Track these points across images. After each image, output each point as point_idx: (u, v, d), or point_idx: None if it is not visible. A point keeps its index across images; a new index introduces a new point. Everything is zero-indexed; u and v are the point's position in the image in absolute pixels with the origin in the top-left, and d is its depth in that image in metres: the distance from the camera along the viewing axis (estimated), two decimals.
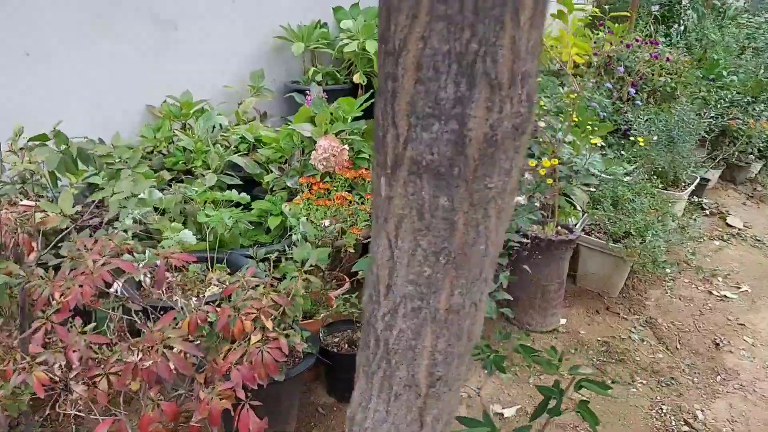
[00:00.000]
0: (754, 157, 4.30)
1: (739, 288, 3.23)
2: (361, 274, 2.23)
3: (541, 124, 2.74)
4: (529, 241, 2.56)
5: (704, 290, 3.19)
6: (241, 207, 2.60)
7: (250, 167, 2.89)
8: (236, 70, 3.60)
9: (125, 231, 2.22)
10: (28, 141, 2.46)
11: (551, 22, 2.96)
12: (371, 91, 3.42)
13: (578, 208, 3.03)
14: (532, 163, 2.25)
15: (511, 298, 2.29)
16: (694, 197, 4.05)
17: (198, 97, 3.34)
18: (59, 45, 2.78)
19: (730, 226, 3.89)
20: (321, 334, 2.23)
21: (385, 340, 0.85)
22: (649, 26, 4.91)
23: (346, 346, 2.23)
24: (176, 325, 1.47)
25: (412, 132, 0.74)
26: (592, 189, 3.11)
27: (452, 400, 0.89)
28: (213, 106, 3.34)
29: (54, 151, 2.41)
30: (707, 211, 4.04)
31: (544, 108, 2.89)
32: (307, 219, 2.33)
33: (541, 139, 2.57)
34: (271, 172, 2.81)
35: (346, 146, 2.62)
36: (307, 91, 3.31)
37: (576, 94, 2.48)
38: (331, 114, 2.93)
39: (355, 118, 2.98)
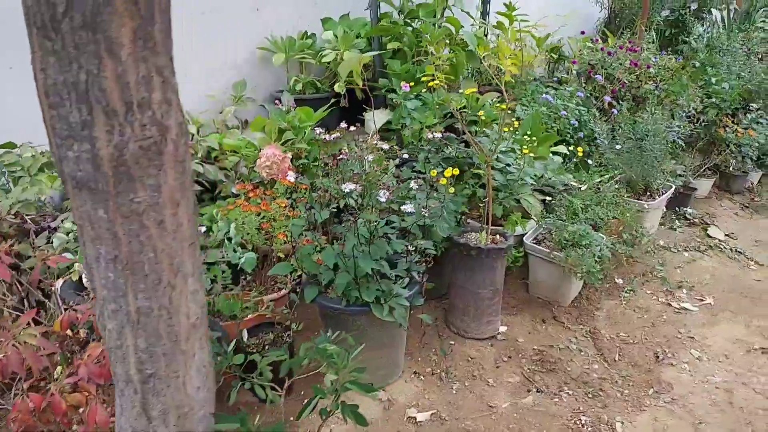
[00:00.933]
0: (751, 166, 4.18)
1: (703, 300, 3.18)
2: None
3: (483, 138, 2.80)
4: (461, 247, 2.63)
5: (664, 302, 3.15)
6: None
7: (212, 174, 3.07)
8: (221, 80, 3.79)
9: (67, 234, 2.43)
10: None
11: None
12: (332, 99, 3.54)
13: (533, 216, 3.07)
14: (448, 172, 2.32)
15: (420, 303, 2.37)
16: (679, 207, 3.97)
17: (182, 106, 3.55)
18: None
19: (711, 237, 3.80)
20: (243, 336, 2.36)
21: (105, 340, 0.97)
22: (652, 33, 4.83)
23: (267, 347, 2.36)
24: (50, 322, 1.64)
25: (61, 151, 0.86)
26: (548, 198, 3.14)
27: (178, 396, 1.01)
28: (191, 115, 3.54)
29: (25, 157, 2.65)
30: (690, 222, 3.96)
31: (482, 119, 2.94)
32: (236, 224, 2.48)
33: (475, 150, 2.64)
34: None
35: (289, 154, 2.76)
36: (277, 101, 3.47)
37: (505, 105, 2.53)
38: (289, 122, 3.07)
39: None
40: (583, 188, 3.12)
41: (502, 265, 2.73)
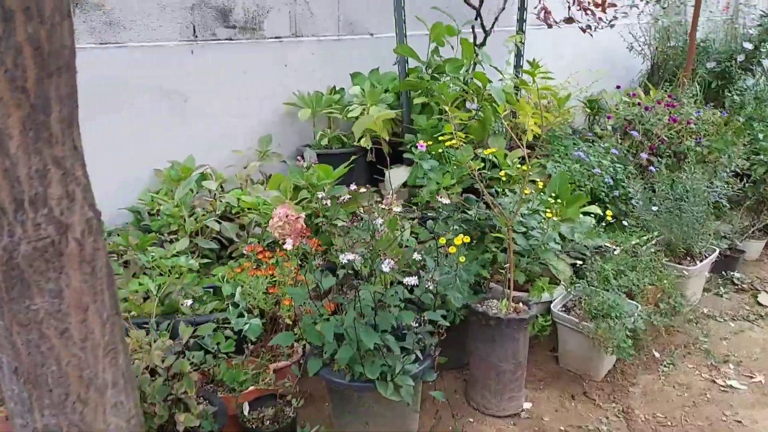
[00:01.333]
0: None
1: (752, 378, 2.90)
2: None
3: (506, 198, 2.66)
4: (478, 317, 2.47)
5: (707, 378, 2.89)
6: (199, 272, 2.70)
7: (229, 231, 3.01)
8: (247, 134, 3.77)
9: None
10: None
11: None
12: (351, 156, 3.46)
13: (561, 281, 2.88)
14: (458, 240, 2.18)
15: (433, 378, 2.21)
16: (726, 271, 3.71)
17: (207, 161, 3.54)
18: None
19: (761, 305, 3.51)
20: (244, 410, 2.24)
21: None
22: (695, 86, 4.63)
23: (268, 423, 2.23)
24: None
25: None
26: (579, 262, 2.95)
27: None
28: (215, 170, 3.51)
29: None
30: (738, 287, 3.68)
31: (503, 179, 2.80)
32: (243, 289, 2.39)
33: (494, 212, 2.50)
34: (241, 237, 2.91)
35: (302, 215, 2.67)
36: (299, 157, 3.41)
37: (527, 166, 2.39)
38: (307, 180, 3.00)
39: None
40: (617, 251, 2.93)
41: (524, 336, 2.54)
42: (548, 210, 2.64)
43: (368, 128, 3.84)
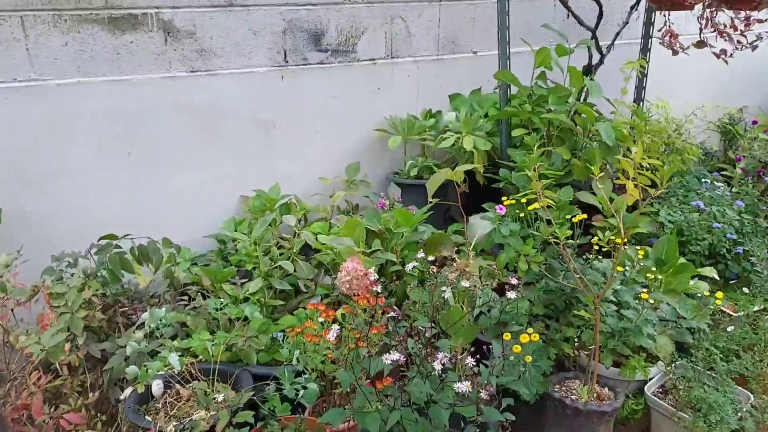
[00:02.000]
0: None
1: None
2: None
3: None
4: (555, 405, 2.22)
5: None
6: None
7: (305, 272, 2.93)
8: (335, 162, 3.68)
9: (139, 342, 2.39)
10: (98, 240, 2.79)
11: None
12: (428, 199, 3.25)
13: (661, 358, 2.55)
14: (524, 338, 1.92)
15: None
16: None
17: (293, 189, 3.49)
18: (172, 152, 3.14)
19: None
20: None
21: None
22: None
23: None
24: None
25: None
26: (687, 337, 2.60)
27: None
28: (299, 200, 3.45)
29: (113, 252, 2.70)
30: None
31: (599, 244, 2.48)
32: (301, 351, 2.29)
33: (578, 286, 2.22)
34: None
35: (371, 270, 2.53)
36: (382, 194, 3.26)
37: (621, 239, 2.09)
38: (384, 225, 2.85)
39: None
40: (731, 327, 2.54)
41: (606, 429, 2.26)
42: (646, 289, 2.32)
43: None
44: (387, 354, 1.72)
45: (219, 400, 2.27)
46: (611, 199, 2.99)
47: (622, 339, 2.32)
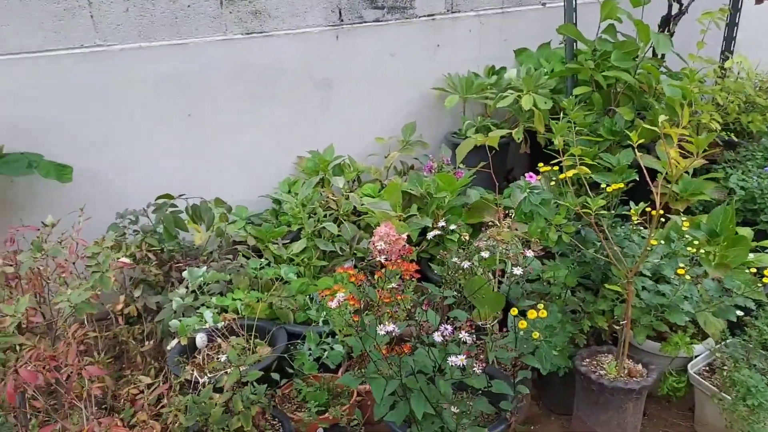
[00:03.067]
0: None
1: None
2: None
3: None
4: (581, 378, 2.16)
5: None
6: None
7: (350, 234, 2.98)
8: (391, 122, 3.66)
9: (182, 297, 2.54)
10: (156, 199, 2.97)
11: None
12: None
13: (710, 335, 2.40)
14: (531, 314, 1.85)
15: None
16: None
17: (348, 150, 3.52)
18: (230, 113, 3.26)
19: None
20: (320, 431, 2.25)
21: None
22: None
23: None
24: None
25: None
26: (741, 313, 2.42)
27: None
28: (353, 161, 3.48)
29: (168, 211, 2.86)
30: None
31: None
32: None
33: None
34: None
35: (404, 235, 2.52)
36: (431, 156, 3.21)
37: (656, 212, 1.96)
38: (426, 189, 2.83)
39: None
40: None
41: (636, 405, 2.18)
42: (691, 262, 2.16)
43: (521, 117, 3.50)
44: (382, 325, 1.74)
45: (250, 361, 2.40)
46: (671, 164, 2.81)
47: (657, 315, 2.20)
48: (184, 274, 2.53)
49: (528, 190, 2.22)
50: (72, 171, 3.01)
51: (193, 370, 2.38)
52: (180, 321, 2.39)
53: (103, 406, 2.65)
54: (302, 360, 2.36)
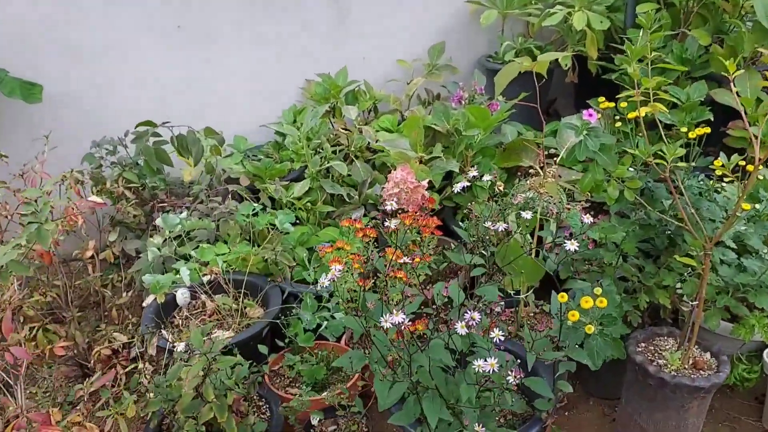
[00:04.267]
0: None
1: None
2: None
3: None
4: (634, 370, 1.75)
5: None
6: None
7: (362, 175, 2.54)
8: (416, 42, 3.14)
9: (159, 248, 2.15)
10: (136, 127, 2.54)
11: None
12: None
13: None
14: (585, 302, 1.41)
15: None
16: None
17: (365, 73, 3.04)
18: (226, 26, 2.78)
19: None
20: (313, 420, 1.88)
21: None
22: None
23: None
24: None
25: None
26: None
27: None
28: (369, 87, 2.99)
29: (148, 141, 2.44)
30: None
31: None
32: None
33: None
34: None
35: (424, 182, 2.08)
36: (461, 85, 2.70)
37: (752, 166, 1.48)
38: (453, 126, 2.35)
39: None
40: None
41: (701, 406, 1.77)
42: None
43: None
44: (388, 315, 1.32)
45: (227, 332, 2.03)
46: (760, 101, 2.29)
47: (738, 296, 1.76)
48: (158, 221, 2.13)
49: (585, 132, 1.74)
50: (42, 90, 2.60)
51: (169, 336, 2.02)
52: (154, 277, 2.01)
53: (73, 367, 2.34)
54: (296, 329, 1.98)
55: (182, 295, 2.15)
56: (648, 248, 1.98)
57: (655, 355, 1.82)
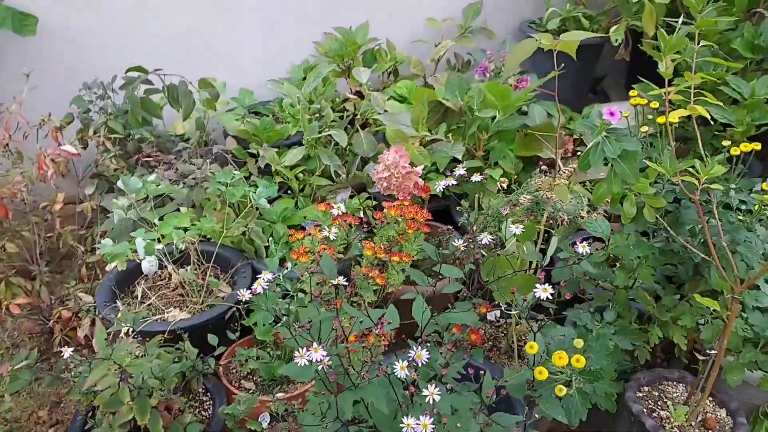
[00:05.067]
0: None
1: None
2: None
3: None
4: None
5: None
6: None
7: (365, 146, 2.28)
8: (452, 1, 2.80)
9: (126, 209, 1.97)
10: (126, 72, 2.34)
11: None
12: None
13: None
14: (563, 358, 1.12)
15: None
16: None
17: (389, 31, 2.74)
18: None
19: None
20: (263, 422, 1.70)
21: None
22: None
23: None
24: None
25: None
26: None
27: None
28: (391, 47, 2.69)
29: (134, 89, 2.25)
30: None
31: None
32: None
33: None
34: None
35: (418, 168, 1.81)
36: (489, 54, 2.37)
37: None
38: (466, 104, 2.05)
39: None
40: None
41: None
42: None
43: (625, 10, 2.57)
44: (304, 350, 1.09)
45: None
46: None
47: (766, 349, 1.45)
48: (119, 183, 1.94)
49: (604, 134, 1.43)
50: (36, 22, 2.41)
51: (122, 309, 1.85)
52: (108, 244, 1.83)
53: (40, 321, 2.22)
54: (254, 319, 1.78)
55: (149, 263, 1.97)
56: (670, 272, 1.68)
57: (658, 404, 1.54)
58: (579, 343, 1.13)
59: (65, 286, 2.17)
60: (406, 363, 1.10)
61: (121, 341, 1.56)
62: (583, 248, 1.28)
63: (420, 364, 1.13)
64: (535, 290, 1.10)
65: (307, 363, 1.08)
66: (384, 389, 1.15)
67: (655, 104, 1.44)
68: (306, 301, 1.70)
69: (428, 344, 1.29)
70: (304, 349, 1.07)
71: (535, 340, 1.14)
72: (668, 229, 1.48)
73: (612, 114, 1.44)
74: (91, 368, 1.33)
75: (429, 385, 1.09)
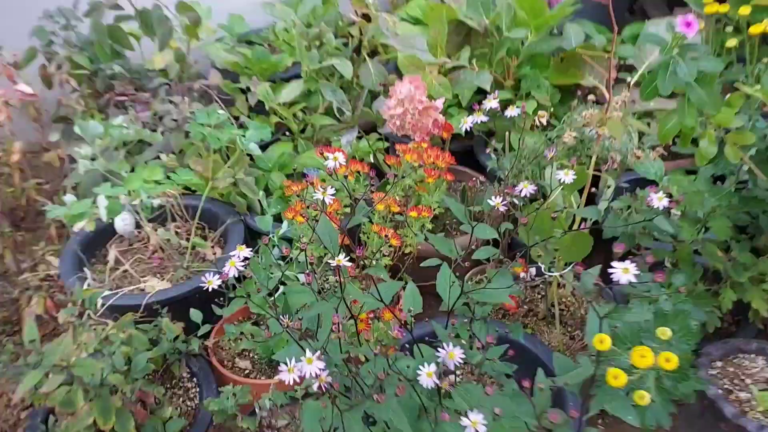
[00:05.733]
0: None
1: None
2: None
3: None
4: None
5: None
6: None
7: (373, 78, 1.96)
8: None
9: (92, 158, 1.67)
10: None
11: None
12: None
13: None
14: (642, 358, 0.85)
15: None
16: None
17: None
18: None
19: None
20: (262, 406, 1.46)
21: None
22: None
23: None
24: None
25: None
26: None
27: None
28: None
29: (99, 16, 1.93)
30: None
31: None
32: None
33: None
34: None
35: (438, 102, 1.49)
36: None
37: None
38: (493, 22, 1.71)
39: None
40: None
41: None
42: None
43: None
44: (293, 362, 0.81)
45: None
46: None
47: None
48: (75, 128, 1.64)
49: (675, 49, 1.11)
50: None
51: (89, 279, 1.58)
52: (69, 202, 1.56)
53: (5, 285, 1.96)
54: (249, 286, 1.51)
55: (122, 222, 1.70)
56: (746, 222, 1.39)
57: (735, 382, 1.28)
58: (665, 333, 0.85)
59: (34, 249, 1.91)
60: (433, 367, 0.83)
61: (86, 322, 1.31)
62: (659, 200, 0.98)
63: (453, 366, 0.85)
64: (611, 272, 0.80)
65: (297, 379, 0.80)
66: (404, 402, 0.88)
67: (745, 9, 1.11)
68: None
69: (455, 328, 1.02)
70: (292, 360, 0.80)
71: (601, 330, 0.86)
72: (755, 171, 1.17)
73: (688, 24, 1.11)
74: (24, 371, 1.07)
75: (470, 413, 0.81)
